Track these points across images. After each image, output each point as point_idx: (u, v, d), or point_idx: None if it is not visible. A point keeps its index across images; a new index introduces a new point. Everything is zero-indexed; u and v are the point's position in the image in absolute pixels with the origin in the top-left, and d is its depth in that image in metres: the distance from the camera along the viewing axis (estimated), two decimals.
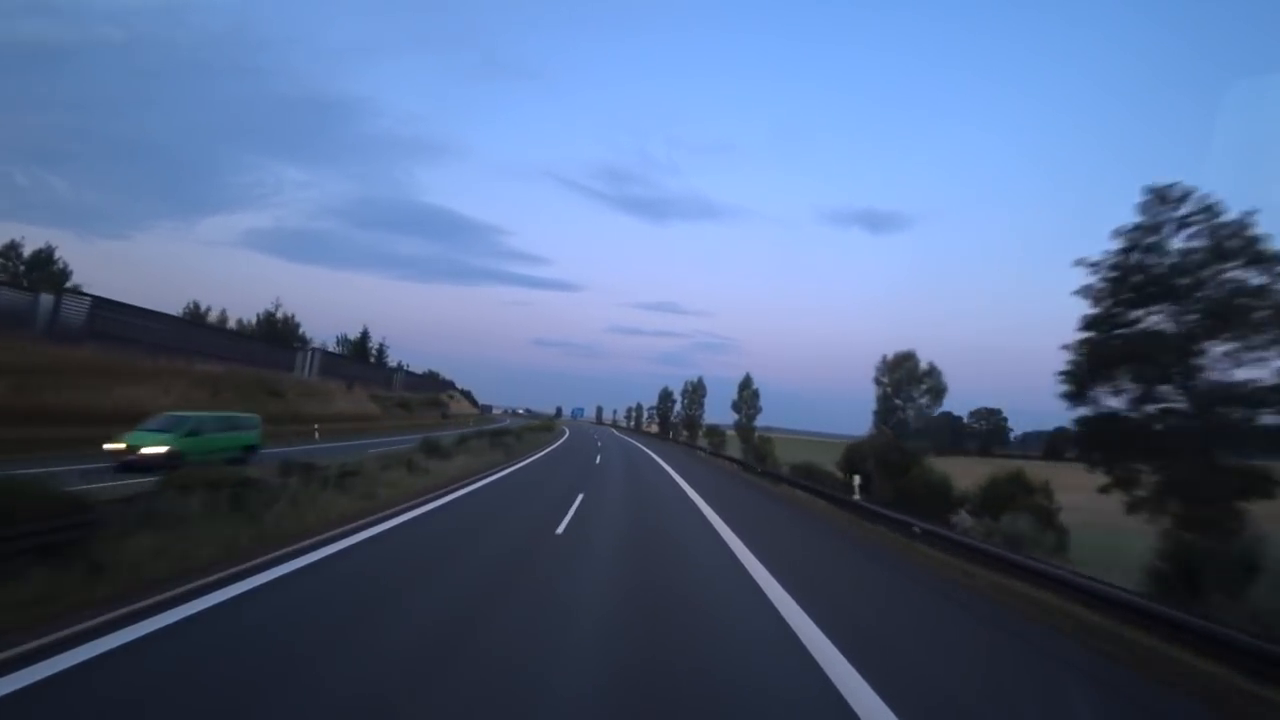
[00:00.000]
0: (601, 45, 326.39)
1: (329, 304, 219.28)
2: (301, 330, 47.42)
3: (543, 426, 59.38)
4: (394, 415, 42.21)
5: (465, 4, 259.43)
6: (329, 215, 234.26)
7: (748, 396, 49.76)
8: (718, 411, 64.91)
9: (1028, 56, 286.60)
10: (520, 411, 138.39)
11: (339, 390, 37.01)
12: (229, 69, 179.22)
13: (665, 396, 65.70)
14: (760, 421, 52.18)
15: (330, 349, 51.37)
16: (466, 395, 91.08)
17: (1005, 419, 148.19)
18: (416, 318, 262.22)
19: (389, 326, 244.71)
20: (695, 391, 58.89)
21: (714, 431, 59.14)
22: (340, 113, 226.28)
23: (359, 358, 52.27)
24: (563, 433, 56.63)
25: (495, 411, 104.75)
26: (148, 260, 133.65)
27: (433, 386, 73.78)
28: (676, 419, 63.10)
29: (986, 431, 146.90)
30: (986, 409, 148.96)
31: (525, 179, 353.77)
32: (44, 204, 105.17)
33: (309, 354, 38.01)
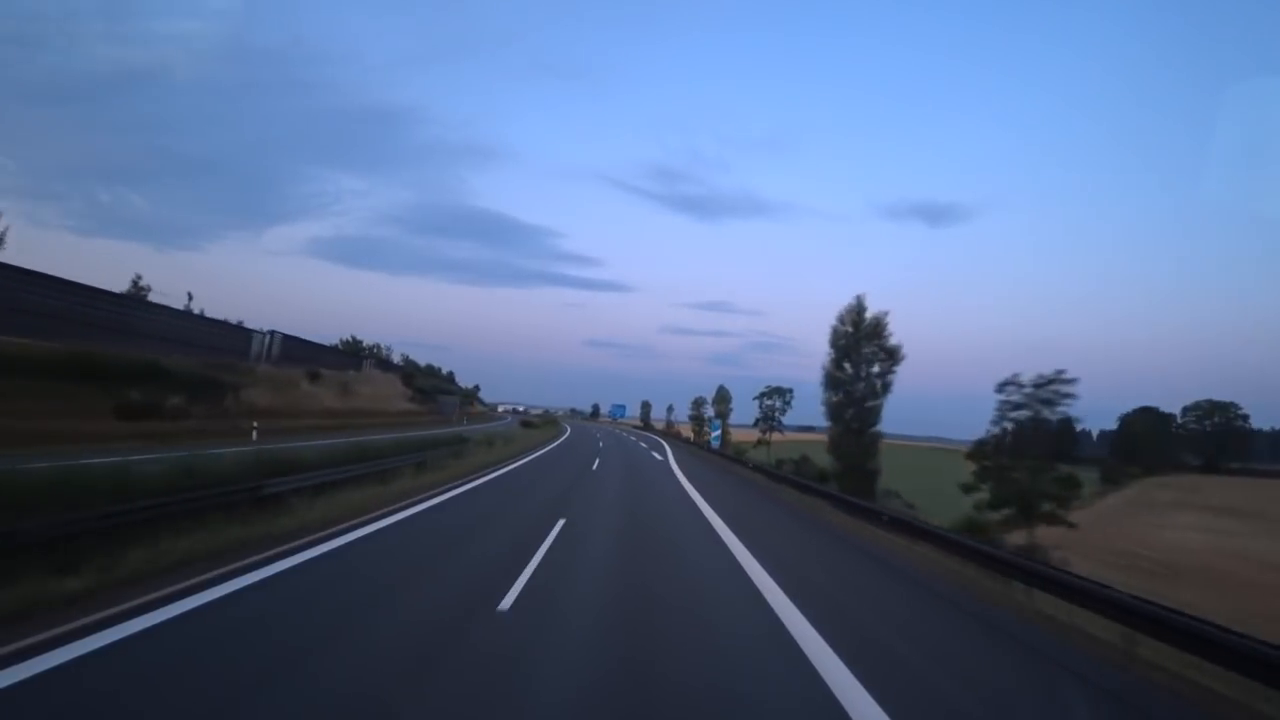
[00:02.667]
0: (648, 44, 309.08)
1: (389, 311, 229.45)
2: None
3: (453, 439, 21.23)
4: None
5: (510, 8, 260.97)
6: (387, 222, 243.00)
7: None
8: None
9: (1105, 27, 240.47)
10: (520, 409, 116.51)
11: None
12: (288, 84, 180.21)
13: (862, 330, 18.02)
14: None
15: None
16: (421, 383, 54.23)
17: (1245, 416, 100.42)
18: (473, 322, 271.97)
19: (446, 330, 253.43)
20: None
21: None
22: (394, 121, 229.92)
23: None
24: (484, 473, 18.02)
25: (457, 410, 67.50)
26: (219, 270, 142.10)
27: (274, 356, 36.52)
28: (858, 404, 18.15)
29: (1214, 435, 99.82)
30: (1211, 402, 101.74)
31: (576, 180, 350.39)
32: (125, 220, 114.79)
33: None
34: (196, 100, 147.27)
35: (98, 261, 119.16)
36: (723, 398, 43.70)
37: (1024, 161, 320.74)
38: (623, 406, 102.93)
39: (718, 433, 40.11)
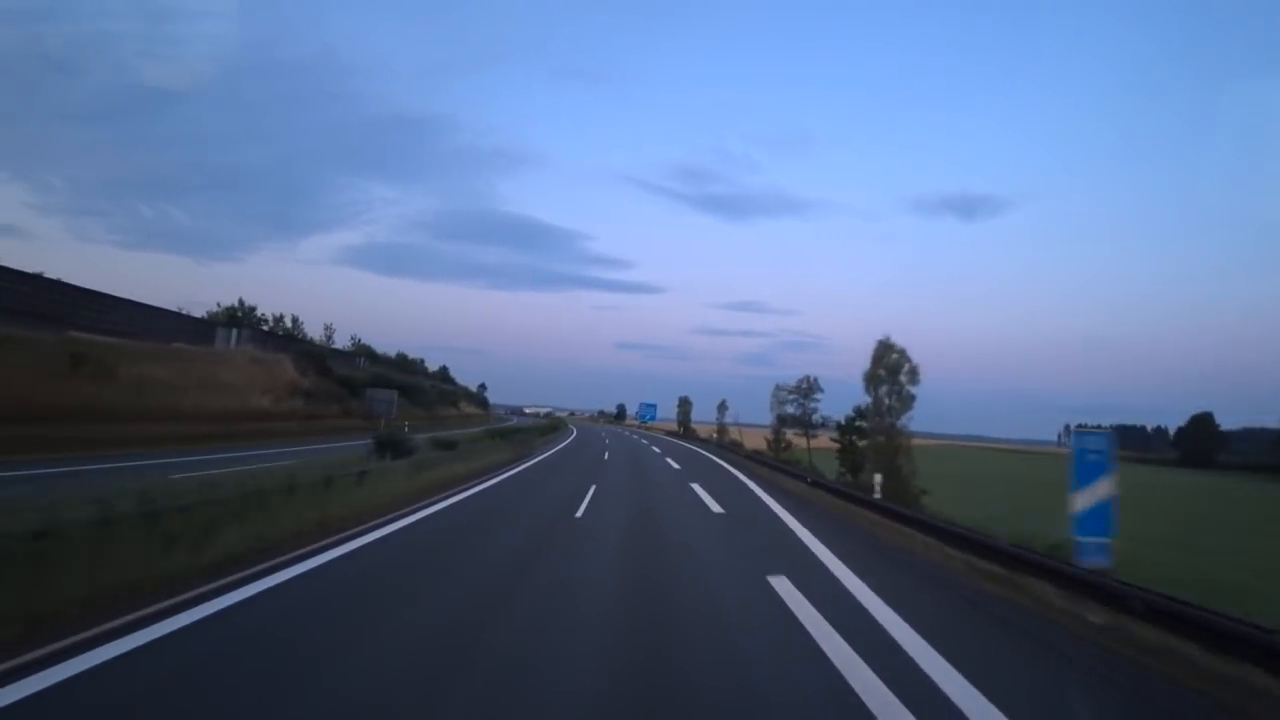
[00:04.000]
0: (673, 45, 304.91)
1: (421, 317, 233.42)
2: None
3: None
4: None
5: (535, 14, 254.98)
6: (417, 229, 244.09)
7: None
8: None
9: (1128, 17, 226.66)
10: (526, 410, 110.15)
11: None
12: (319, 95, 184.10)
13: None
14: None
15: None
16: (354, 374, 34.63)
17: None
18: (505, 326, 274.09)
19: (479, 335, 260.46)
20: None
21: None
22: (423, 129, 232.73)
23: None
24: None
25: (394, 412, 47.94)
26: (256, 280, 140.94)
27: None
28: None
29: None
30: None
31: (604, 183, 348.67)
32: (166, 234, 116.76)
33: None
34: (230, 114, 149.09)
35: (141, 274, 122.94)
36: (892, 365, 18.39)
37: (1049, 156, 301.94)
38: (653, 406, 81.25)
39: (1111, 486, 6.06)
